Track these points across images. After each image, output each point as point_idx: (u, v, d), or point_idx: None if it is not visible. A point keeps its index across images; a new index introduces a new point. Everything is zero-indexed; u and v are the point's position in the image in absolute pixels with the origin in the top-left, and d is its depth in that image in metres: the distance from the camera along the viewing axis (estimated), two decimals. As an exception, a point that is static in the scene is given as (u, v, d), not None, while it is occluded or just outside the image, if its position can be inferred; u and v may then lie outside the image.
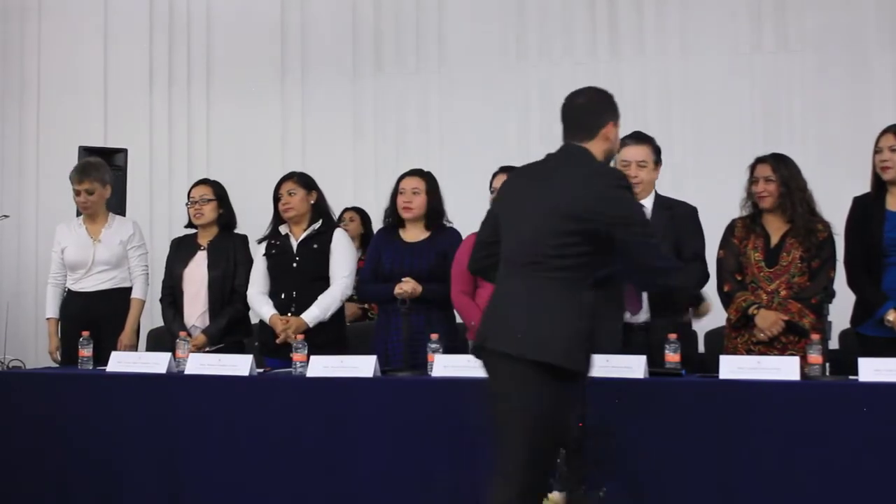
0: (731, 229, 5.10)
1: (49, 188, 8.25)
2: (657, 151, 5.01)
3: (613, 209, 3.64)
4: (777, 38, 7.33)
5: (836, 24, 7.20)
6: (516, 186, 3.96)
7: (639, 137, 5.00)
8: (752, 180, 5.02)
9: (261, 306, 5.53)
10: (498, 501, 3.58)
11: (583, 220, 3.61)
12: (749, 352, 4.80)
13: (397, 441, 4.52)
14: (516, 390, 3.60)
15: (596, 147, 3.79)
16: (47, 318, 6.04)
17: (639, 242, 3.67)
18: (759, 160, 5.04)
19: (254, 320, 5.80)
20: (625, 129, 6.78)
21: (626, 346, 4.74)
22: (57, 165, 7.19)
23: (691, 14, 7.49)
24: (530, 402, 3.58)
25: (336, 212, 6.72)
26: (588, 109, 3.84)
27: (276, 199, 5.59)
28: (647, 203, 4.95)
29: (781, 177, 4.93)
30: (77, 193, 5.98)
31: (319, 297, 5.43)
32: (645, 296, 4.83)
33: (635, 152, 4.96)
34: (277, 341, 5.34)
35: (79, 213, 6.17)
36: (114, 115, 8.52)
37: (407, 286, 5.18)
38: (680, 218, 4.95)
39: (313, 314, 5.38)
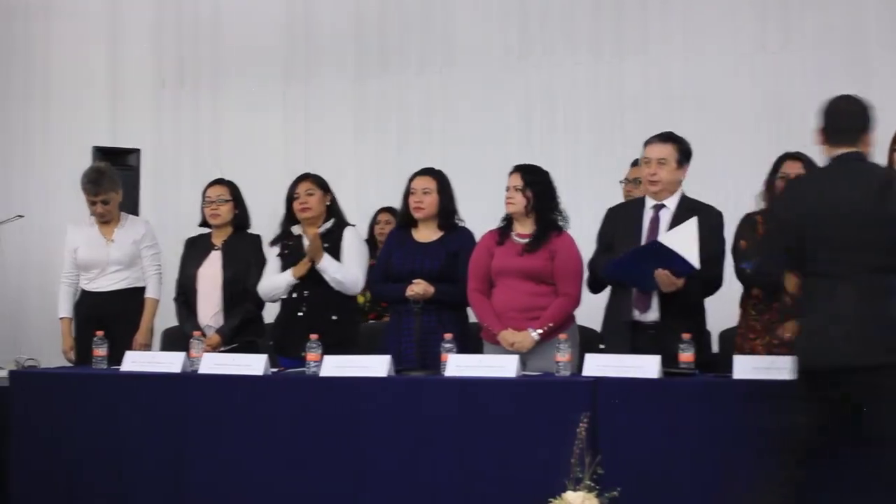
0: (752, 224, 5.09)
1: (61, 189, 8.22)
2: (683, 152, 4.95)
3: None
4: (780, 37, 7.34)
5: (838, 24, 7.20)
6: (816, 193, 3.98)
7: (664, 136, 4.98)
8: (780, 175, 5.02)
9: (274, 277, 5.57)
10: None
11: None
12: (770, 353, 4.76)
13: (410, 440, 4.54)
14: None
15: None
16: (60, 318, 6.03)
17: None
18: (790, 156, 5.07)
19: (268, 319, 5.84)
20: (626, 128, 6.86)
21: (635, 346, 4.79)
22: (70, 165, 7.17)
23: (694, 13, 7.49)
24: None
25: (367, 213, 6.72)
26: (855, 115, 3.99)
27: (292, 198, 5.60)
28: (672, 204, 4.93)
29: None
30: (93, 204, 5.99)
31: (340, 265, 5.49)
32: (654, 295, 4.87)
33: (657, 150, 4.94)
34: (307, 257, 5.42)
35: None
36: (124, 115, 8.54)
37: (418, 287, 5.19)
38: (703, 222, 4.80)
39: (329, 262, 5.44)
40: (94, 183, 6.00)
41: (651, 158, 4.94)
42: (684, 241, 4.59)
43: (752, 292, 5.07)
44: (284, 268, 5.56)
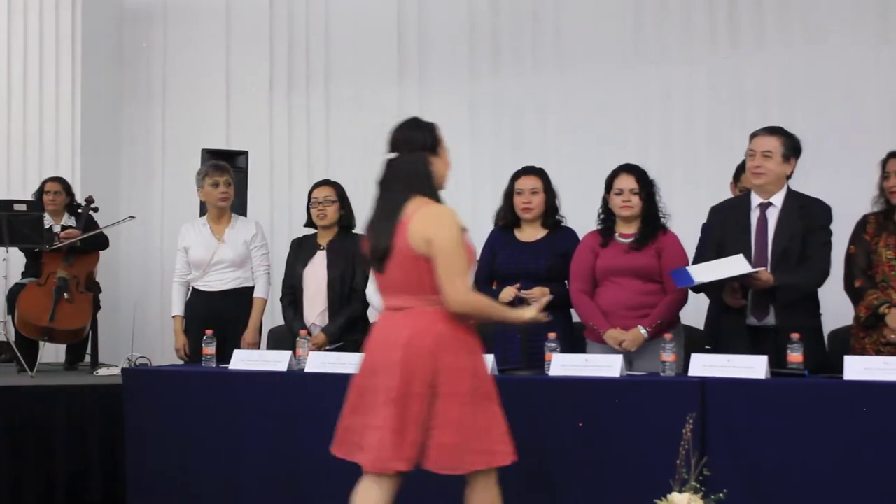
0: (862, 225, 4.97)
1: (174, 190, 8.45)
2: (790, 146, 4.86)
3: None
4: (904, 29, 7.06)
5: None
6: None
7: (770, 129, 4.91)
8: (884, 175, 4.89)
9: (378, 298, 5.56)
10: None
11: None
12: (878, 352, 4.66)
13: (516, 440, 4.49)
14: None
15: None
16: (173, 316, 6.13)
17: None
18: (893, 155, 4.92)
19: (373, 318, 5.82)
20: (745, 126, 6.68)
21: (754, 350, 4.67)
22: (181, 168, 7.35)
23: (813, 5, 7.22)
24: None
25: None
26: None
27: None
28: (778, 201, 4.86)
29: None
30: (216, 185, 6.07)
31: None
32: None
33: (762, 142, 4.87)
34: None
35: (202, 214, 6.29)
36: (235, 118, 8.70)
37: (538, 292, 5.07)
38: (809, 216, 4.81)
39: None
40: (216, 167, 6.15)
41: (756, 151, 4.88)
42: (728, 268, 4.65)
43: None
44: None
